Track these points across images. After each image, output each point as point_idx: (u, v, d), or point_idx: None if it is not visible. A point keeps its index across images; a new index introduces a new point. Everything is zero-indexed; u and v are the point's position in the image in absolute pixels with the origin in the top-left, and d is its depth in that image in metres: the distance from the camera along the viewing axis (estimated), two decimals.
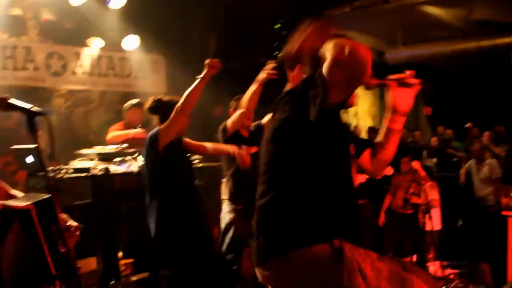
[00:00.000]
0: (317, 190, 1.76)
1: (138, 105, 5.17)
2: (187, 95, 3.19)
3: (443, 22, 7.79)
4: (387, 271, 1.69)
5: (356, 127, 8.65)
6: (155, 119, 3.48)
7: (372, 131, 8.33)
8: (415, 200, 5.80)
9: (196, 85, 3.19)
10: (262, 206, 1.83)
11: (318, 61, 1.81)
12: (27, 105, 1.74)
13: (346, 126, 2.12)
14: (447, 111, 9.94)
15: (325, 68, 1.71)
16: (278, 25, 6.94)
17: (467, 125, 7.57)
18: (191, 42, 6.64)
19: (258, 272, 1.85)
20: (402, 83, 1.97)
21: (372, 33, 8.95)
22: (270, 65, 3.49)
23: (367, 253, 1.72)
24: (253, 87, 3.57)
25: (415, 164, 4.75)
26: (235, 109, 3.98)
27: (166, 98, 3.45)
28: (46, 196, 1.77)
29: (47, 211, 1.76)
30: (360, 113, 9.36)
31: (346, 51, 1.66)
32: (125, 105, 5.24)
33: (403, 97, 1.95)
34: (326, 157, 1.78)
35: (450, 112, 9.68)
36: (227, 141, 3.75)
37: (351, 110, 9.01)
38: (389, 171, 5.48)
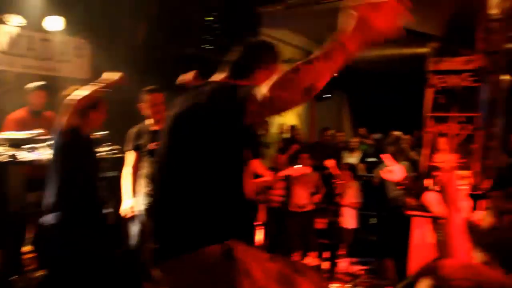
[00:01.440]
0: (210, 192, 1.77)
1: (43, 88, 4.96)
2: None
3: None
4: (276, 272, 1.74)
5: (283, 125, 8.79)
6: None
7: (293, 129, 8.52)
8: (336, 199, 5.97)
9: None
10: (156, 205, 1.83)
11: None
12: None
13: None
14: (371, 114, 10.39)
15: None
16: (210, 18, 6.90)
17: (395, 133, 7.85)
18: (119, 28, 6.43)
19: (153, 272, 1.85)
20: None
21: (304, 33, 9.10)
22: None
23: (258, 254, 1.77)
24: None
25: (329, 163, 4.87)
26: (150, 103, 3.97)
27: None
28: None
29: None
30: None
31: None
32: (29, 86, 4.98)
33: None
34: (222, 161, 1.79)
35: (374, 115, 10.12)
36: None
37: None
38: (330, 163, 5.58)
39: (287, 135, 8.48)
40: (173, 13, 6.57)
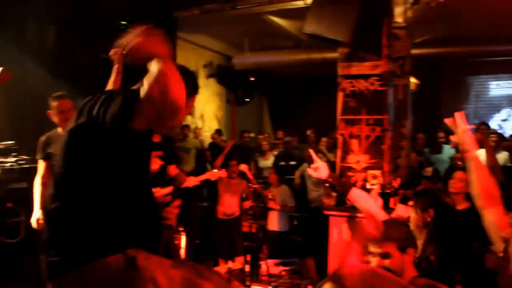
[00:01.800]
0: (108, 200, 1.73)
1: None
2: None
3: (286, 32, 8.28)
4: (180, 278, 1.73)
5: (200, 129, 8.74)
6: None
7: (219, 133, 8.51)
8: (271, 204, 6.02)
9: None
10: (51, 214, 1.75)
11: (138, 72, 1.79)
12: None
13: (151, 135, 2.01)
14: (287, 116, 10.66)
15: (141, 95, 1.64)
16: (124, 22, 6.71)
17: (308, 132, 8.15)
18: (27, 31, 6.08)
19: (49, 287, 1.77)
20: None
21: (221, 38, 9.16)
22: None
23: (161, 262, 1.76)
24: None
25: (242, 167, 4.92)
26: (57, 109, 3.82)
27: None
28: None
29: None
30: (206, 115, 9.51)
31: (162, 90, 1.58)
32: None
33: None
34: (119, 167, 1.76)
35: (291, 118, 10.38)
36: None
37: (197, 112, 9.10)
38: (243, 167, 5.61)
39: (211, 140, 8.45)
40: (86, 17, 6.32)
